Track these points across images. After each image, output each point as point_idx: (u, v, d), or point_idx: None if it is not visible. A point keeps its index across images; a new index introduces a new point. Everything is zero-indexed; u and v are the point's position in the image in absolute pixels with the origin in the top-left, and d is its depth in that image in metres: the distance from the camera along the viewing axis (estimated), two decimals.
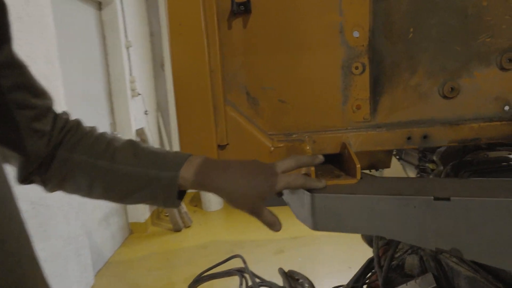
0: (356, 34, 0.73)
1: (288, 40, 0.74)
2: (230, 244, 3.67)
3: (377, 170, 1.29)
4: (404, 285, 0.97)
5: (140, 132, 3.92)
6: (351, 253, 3.16)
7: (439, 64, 0.74)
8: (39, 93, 0.56)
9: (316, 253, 3.38)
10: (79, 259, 2.61)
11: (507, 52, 0.73)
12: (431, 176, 1.29)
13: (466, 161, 1.27)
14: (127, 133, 3.73)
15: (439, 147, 1.40)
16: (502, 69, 0.74)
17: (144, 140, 3.97)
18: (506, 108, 0.75)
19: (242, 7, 0.71)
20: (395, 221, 0.55)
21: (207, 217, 4.66)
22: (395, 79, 0.75)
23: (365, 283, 1.18)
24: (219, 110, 0.67)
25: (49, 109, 0.58)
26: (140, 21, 4.15)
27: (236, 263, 1.74)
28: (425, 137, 0.73)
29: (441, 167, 1.35)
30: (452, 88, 0.74)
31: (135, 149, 0.61)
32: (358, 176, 0.64)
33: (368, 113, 0.76)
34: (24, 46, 2.06)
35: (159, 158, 0.60)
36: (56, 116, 0.60)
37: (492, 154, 1.28)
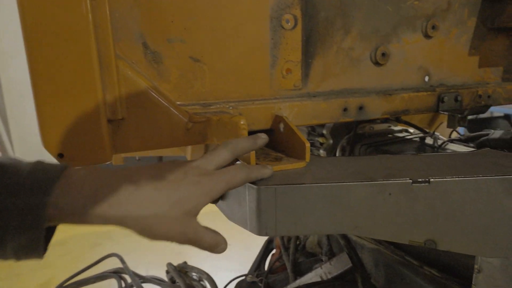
0: None
1: None
2: (94, 237, 3.20)
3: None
4: (319, 268, 0.91)
5: None
6: (229, 229, 3.14)
7: (372, 25, 0.65)
8: None
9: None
10: None
11: (432, 18, 0.69)
12: (321, 151, 1.27)
13: (359, 134, 1.29)
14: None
15: None
16: (427, 36, 0.70)
17: None
18: (426, 78, 0.72)
19: None
20: (367, 214, 0.44)
21: None
22: (328, 39, 0.63)
23: (270, 270, 1.10)
24: (108, 66, 0.43)
25: None
26: None
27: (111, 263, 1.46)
28: (360, 108, 0.64)
29: (331, 141, 1.35)
30: (383, 54, 0.66)
31: None
32: (308, 157, 0.50)
33: (300, 79, 0.62)
34: None
35: (10, 175, 0.35)
36: None
37: (376, 127, 1.34)
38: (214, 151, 0.44)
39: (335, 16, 0.62)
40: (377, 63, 0.67)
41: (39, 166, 0.36)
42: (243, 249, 1.41)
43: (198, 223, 0.42)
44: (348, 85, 0.66)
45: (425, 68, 0.71)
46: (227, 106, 0.56)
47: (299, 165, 0.49)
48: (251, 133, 0.58)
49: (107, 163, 0.44)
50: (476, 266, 0.65)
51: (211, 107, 0.55)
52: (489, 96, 0.76)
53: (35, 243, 0.35)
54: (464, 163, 0.50)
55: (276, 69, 0.60)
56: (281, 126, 0.56)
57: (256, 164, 0.47)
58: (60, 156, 0.40)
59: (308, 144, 0.49)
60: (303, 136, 0.50)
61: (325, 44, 0.63)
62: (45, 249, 0.36)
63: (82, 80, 0.40)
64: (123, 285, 1.38)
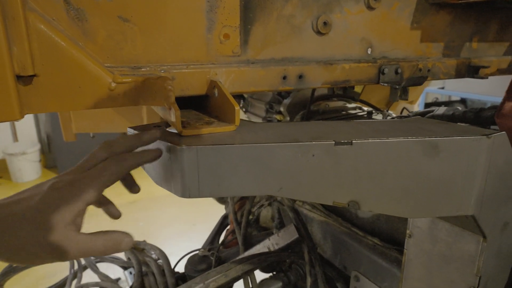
0: None
1: None
2: None
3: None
4: (267, 240, 0.92)
5: None
6: (194, 211, 3.13)
7: None
8: None
9: (158, 215, 3.22)
10: None
11: None
12: None
13: (314, 111, 1.30)
14: None
15: (284, 99, 1.40)
16: (369, 7, 0.70)
17: None
18: (369, 50, 0.73)
19: None
20: (291, 175, 0.44)
21: (18, 190, 3.80)
22: (269, 5, 0.61)
23: (223, 244, 1.10)
24: (14, 16, 0.39)
25: None
26: None
27: None
28: (300, 77, 0.64)
29: (288, 118, 1.36)
30: (325, 23, 0.66)
31: None
32: (237, 121, 0.49)
33: (238, 45, 0.61)
34: None
35: None
36: None
37: (332, 104, 1.36)
38: (89, 153, 0.44)
39: None
40: (318, 32, 0.66)
41: None
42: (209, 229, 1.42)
43: (81, 234, 0.41)
44: (289, 54, 0.65)
45: (368, 40, 0.72)
46: (159, 69, 0.54)
47: (228, 128, 0.49)
48: (185, 98, 0.57)
49: (16, 120, 0.41)
50: (408, 231, 0.68)
51: (142, 69, 0.53)
52: (429, 70, 0.78)
53: None
54: (392, 128, 0.51)
55: (213, 34, 0.58)
56: (216, 91, 0.55)
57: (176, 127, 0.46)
58: None
59: (237, 108, 0.49)
60: (234, 101, 0.50)
61: (265, 10, 0.62)
62: None
63: None
64: (75, 265, 1.34)
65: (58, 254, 0.40)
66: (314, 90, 1.26)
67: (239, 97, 1.56)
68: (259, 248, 0.92)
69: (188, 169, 0.42)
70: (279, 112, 1.44)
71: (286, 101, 1.37)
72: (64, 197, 0.40)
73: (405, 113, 1.33)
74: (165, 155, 0.44)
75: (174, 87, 0.55)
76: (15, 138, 4.19)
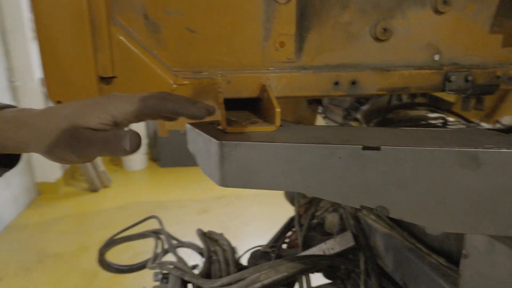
0: None
1: None
2: (152, 205, 3.50)
3: None
4: (323, 243, 0.93)
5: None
6: (276, 212, 3.22)
7: (372, 0, 0.65)
8: None
9: (241, 212, 3.38)
10: None
11: None
12: None
13: (388, 119, 1.25)
14: (28, 82, 3.23)
15: (363, 105, 1.38)
16: (437, 12, 0.67)
17: None
18: (436, 57, 0.69)
19: None
20: (318, 175, 0.46)
21: (128, 177, 4.38)
22: (325, 13, 0.64)
23: (284, 242, 1.14)
24: (100, 30, 0.50)
25: None
26: None
27: (155, 225, 1.60)
28: (353, 83, 0.65)
29: (365, 125, 1.33)
30: (384, 29, 0.66)
31: None
32: (278, 122, 0.53)
33: (293, 52, 0.64)
34: None
35: None
36: None
37: (412, 113, 1.29)
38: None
39: None
40: (377, 39, 0.66)
41: None
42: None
43: (91, 132, 0.41)
44: (344, 60, 0.66)
45: (434, 45, 0.69)
46: (218, 74, 0.61)
47: (269, 128, 0.53)
48: (238, 100, 0.63)
49: None
50: (463, 251, 0.64)
51: (202, 73, 0.61)
52: (510, 78, 0.70)
53: None
54: (437, 136, 0.49)
55: (269, 42, 0.63)
56: (265, 95, 0.59)
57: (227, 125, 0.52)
58: (58, 103, 0.49)
59: (278, 110, 0.53)
60: (277, 103, 0.54)
61: (321, 18, 0.64)
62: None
63: (76, 41, 0.48)
64: (160, 245, 1.52)
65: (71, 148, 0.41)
66: (390, 97, 1.21)
67: (317, 102, 1.58)
68: (314, 251, 0.93)
69: (226, 161, 0.48)
70: (356, 119, 1.41)
71: (364, 107, 1.35)
72: (100, 103, 0.42)
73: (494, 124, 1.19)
74: (210, 148, 0.51)
75: (229, 90, 0.61)
76: None
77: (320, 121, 1.75)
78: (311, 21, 0.64)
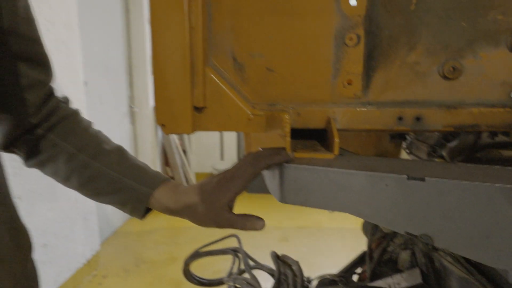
0: (353, 2, 0.68)
1: (280, 5, 0.70)
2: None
3: None
4: (389, 277, 0.92)
5: None
6: (357, 247, 3.11)
7: (442, 41, 0.68)
8: (36, 65, 0.57)
9: (321, 245, 3.34)
10: (86, 223, 2.68)
11: None
12: None
13: (475, 158, 1.19)
14: (144, 108, 3.77)
15: (449, 142, 1.33)
16: None
17: None
18: None
19: None
20: (365, 199, 0.51)
21: None
22: (392, 54, 0.69)
23: (353, 273, 1.14)
24: (197, 71, 0.64)
25: (42, 83, 0.59)
26: None
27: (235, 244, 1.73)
28: (418, 119, 0.68)
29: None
30: (453, 68, 0.68)
31: (121, 155, 0.65)
32: (336, 151, 0.60)
33: (360, 89, 0.71)
34: (44, 10, 2.08)
35: (140, 172, 0.64)
36: (51, 95, 0.62)
37: (506, 153, 1.20)
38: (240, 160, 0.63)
39: (399, 33, 0.69)
40: (445, 77, 0.69)
41: (153, 171, 0.65)
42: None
43: (231, 213, 0.62)
44: (409, 97, 0.70)
45: (510, 84, 0.68)
46: (289, 106, 0.71)
47: (327, 156, 0.60)
48: (305, 130, 0.71)
49: (188, 134, 0.65)
50: None
51: (276, 106, 0.71)
52: None
53: (139, 211, 0.63)
54: (490, 173, 0.50)
55: (338, 80, 0.71)
56: (329, 126, 0.67)
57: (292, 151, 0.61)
58: (162, 125, 0.64)
59: (337, 140, 0.60)
60: (336, 134, 0.61)
61: (388, 58, 0.70)
62: (143, 216, 0.65)
63: (179, 78, 0.63)
64: (237, 262, 1.63)
65: (217, 223, 0.62)
66: (478, 134, 1.16)
67: (400, 137, 1.56)
68: (380, 284, 0.92)
69: (287, 181, 0.57)
70: (441, 156, 1.36)
71: (450, 144, 1.30)
72: (223, 188, 0.61)
73: None
74: (275, 168, 0.60)
75: (298, 121, 0.70)
76: (222, 157, 5.21)
77: (404, 156, 1.71)
78: (378, 62, 0.70)
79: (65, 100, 0.64)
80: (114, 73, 3.44)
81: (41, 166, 0.62)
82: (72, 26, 2.38)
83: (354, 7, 0.68)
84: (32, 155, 0.61)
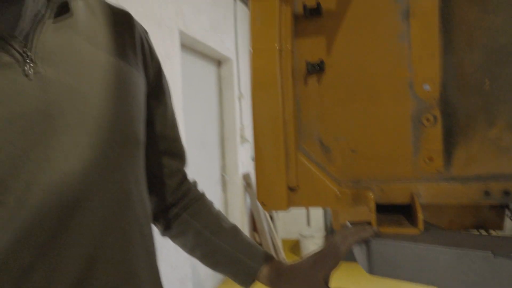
0: (426, 87, 0.75)
1: (359, 94, 0.81)
2: None
3: (487, 231, 1.18)
4: None
5: (246, 176, 4.20)
6: None
7: None
8: (176, 157, 0.77)
9: None
10: (181, 286, 2.86)
11: None
12: None
13: None
14: (234, 176, 4.05)
15: None
16: None
17: (249, 184, 4.23)
18: None
19: (316, 67, 0.82)
20: (452, 275, 0.54)
21: None
22: (471, 131, 0.74)
23: None
24: (290, 157, 0.76)
25: (179, 171, 0.78)
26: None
27: None
28: (506, 193, 0.69)
29: None
30: None
31: (236, 233, 0.79)
32: (420, 227, 0.64)
33: (442, 165, 0.75)
34: None
35: (251, 248, 0.77)
36: (185, 180, 0.80)
37: None
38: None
39: (476, 112, 0.73)
40: None
41: (262, 249, 0.77)
42: None
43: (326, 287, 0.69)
44: (495, 170, 0.72)
45: None
46: (373, 184, 0.78)
47: (412, 231, 0.64)
48: (389, 205, 0.77)
49: (284, 210, 0.76)
50: None
51: (361, 183, 0.79)
52: None
53: (248, 282, 0.75)
54: None
55: (418, 157, 0.77)
56: (413, 202, 0.71)
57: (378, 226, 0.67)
58: (262, 203, 0.76)
59: (421, 216, 0.64)
60: (420, 210, 0.65)
61: (467, 135, 0.74)
62: (249, 286, 0.76)
63: (276, 164, 0.76)
64: None
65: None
66: None
67: (501, 204, 1.45)
68: None
69: (374, 255, 0.62)
70: None
71: None
72: (319, 267, 0.70)
73: None
74: (362, 243, 0.66)
75: (382, 197, 0.76)
76: (308, 223, 5.17)
77: (509, 223, 1.56)
78: (457, 139, 0.75)
79: (194, 184, 0.81)
80: (209, 146, 3.84)
81: (173, 237, 0.78)
82: (177, 110, 2.81)
83: (428, 91, 0.75)
84: (168, 228, 0.77)
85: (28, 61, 0.40)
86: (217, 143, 4.04)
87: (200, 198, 0.79)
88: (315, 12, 0.82)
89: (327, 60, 0.82)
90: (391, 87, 0.78)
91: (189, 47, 3.32)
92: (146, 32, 0.66)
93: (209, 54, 3.79)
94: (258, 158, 0.77)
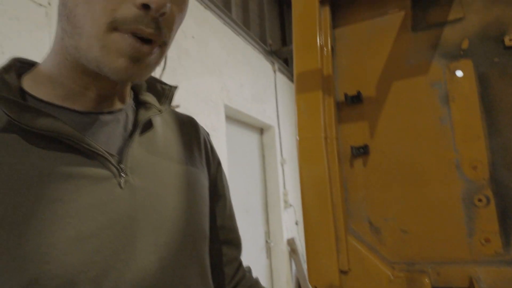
0: (475, 168, 0.76)
1: (406, 175, 0.83)
2: None
3: None
4: None
5: (290, 241, 4.11)
6: None
7: None
8: (232, 246, 0.81)
9: None
10: None
11: None
12: None
13: None
14: (279, 242, 3.97)
15: None
16: None
17: (294, 250, 4.11)
18: None
19: (361, 150, 0.86)
20: None
21: None
22: None
23: None
24: (341, 239, 0.78)
25: (236, 259, 0.82)
26: (293, 141, 4.71)
27: None
28: None
29: None
30: None
31: None
32: None
33: (500, 247, 0.73)
34: None
35: None
36: (240, 266, 0.83)
37: None
38: None
39: None
40: None
41: None
42: None
43: None
44: None
45: None
46: (428, 266, 0.76)
47: None
48: None
49: None
50: None
51: (415, 265, 0.78)
52: None
53: None
54: None
55: (474, 238, 0.75)
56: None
57: None
58: (315, 287, 0.77)
59: None
60: None
61: None
62: None
63: (326, 247, 0.78)
64: None
65: None
66: None
67: None
68: None
69: None
70: None
71: None
72: None
73: None
74: None
75: (439, 280, 0.75)
76: None
77: None
78: None
79: (249, 270, 0.84)
80: (253, 212, 3.86)
81: None
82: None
83: (476, 172, 0.76)
84: None
85: (122, 174, 0.48)
86: (261, 209, 4.05)
87: (254, 285, 0.81)
88: (356, 99, 0.89)
89: (371, 144, 0.86)
90: (437, 168, 0.80)
91: (233, 118, 3.53)
92: (208, 134, 0.75)
93: (252, 123, 3.99)
94: (309, 241, 0.80)
